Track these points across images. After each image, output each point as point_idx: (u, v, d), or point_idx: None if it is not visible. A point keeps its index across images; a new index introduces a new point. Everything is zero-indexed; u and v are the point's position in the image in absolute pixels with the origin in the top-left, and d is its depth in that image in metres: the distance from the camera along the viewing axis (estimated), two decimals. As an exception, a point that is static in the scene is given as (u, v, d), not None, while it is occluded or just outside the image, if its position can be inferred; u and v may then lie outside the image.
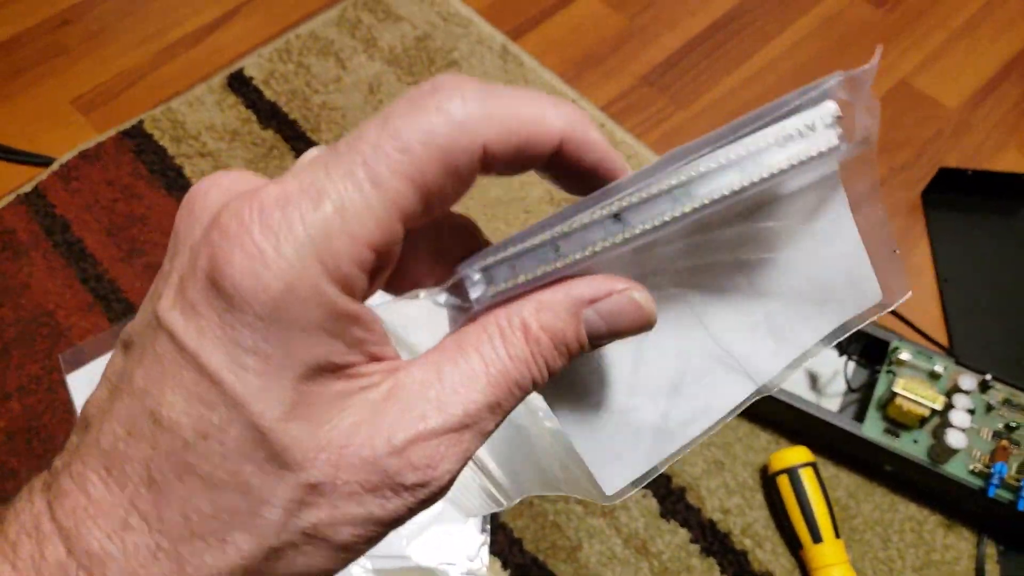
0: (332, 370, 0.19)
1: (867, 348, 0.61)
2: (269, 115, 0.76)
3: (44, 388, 0.61)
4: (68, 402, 0.60)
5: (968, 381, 0.56)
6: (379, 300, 0.22)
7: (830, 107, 0.21)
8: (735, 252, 0.24)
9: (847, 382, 0.61)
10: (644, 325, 0.22)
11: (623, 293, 0.21)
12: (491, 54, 0.79)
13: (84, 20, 0.83)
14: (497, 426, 0.21)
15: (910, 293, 0.25)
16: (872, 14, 0.85)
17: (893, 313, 0.64)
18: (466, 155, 0.19)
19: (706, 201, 0.20)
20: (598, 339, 0.21)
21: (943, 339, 0.66)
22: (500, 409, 0.20)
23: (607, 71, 0.80)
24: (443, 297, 0.22)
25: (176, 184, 0.71)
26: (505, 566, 0.56)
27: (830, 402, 0.61)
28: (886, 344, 0.59)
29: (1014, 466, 0.54)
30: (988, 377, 0.57)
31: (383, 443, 0.19)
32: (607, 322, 0.21)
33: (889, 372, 0.58)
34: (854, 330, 0.25)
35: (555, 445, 0.26)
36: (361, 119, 0.75)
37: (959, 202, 0.72)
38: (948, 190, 0.72)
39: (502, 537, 0.57)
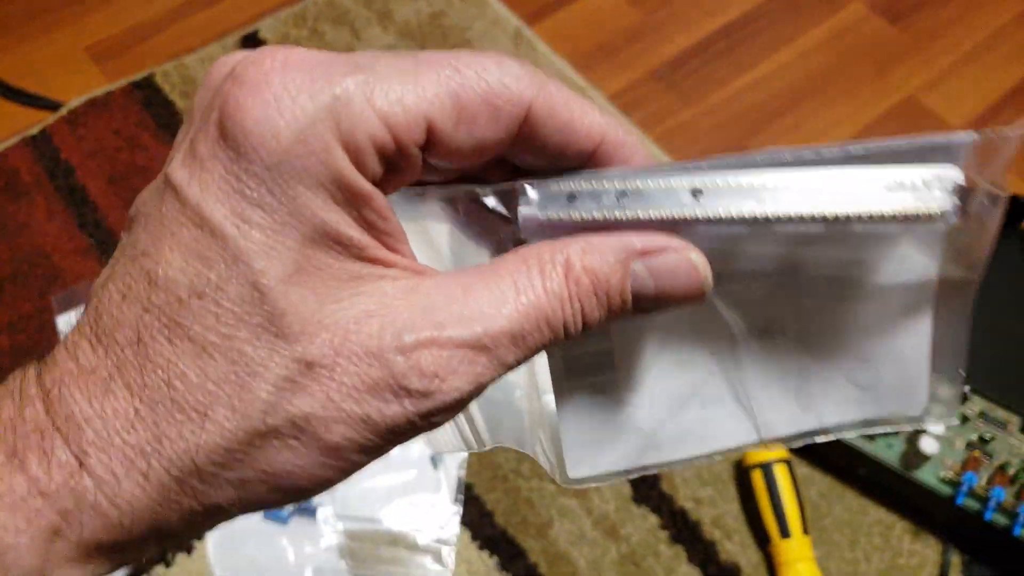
0: (344, 243, 0.18)
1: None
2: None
3: (34, 327, 0.62)
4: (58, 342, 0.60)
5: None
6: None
7: (953, 174, 0.19)
8: (796, 297, 0.22)
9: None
10: (696, 292, 0.20)
11: (679, 251, 0.20)
12: (504, 36, 0.80)
13: (104, -29, 0.84)
14: (518, 362, 0.19)
15: (955, 420, 0.23)
16: (887, 30, 0.85)
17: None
18: (511, 106, 0.19)
19: (790, 214, 0.19)
20: (643, 300, 0.20)
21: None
22: (524, 343, 0.19)
23: (618, 63, 0.81)
24: (490, 199, 0.20)
25: (182, 138, 0.72)
26: (475, 538, 0.57)
27: (810, 403, 0.61)
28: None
29: (984, 477, 0.55)
30: (965, 389, 0.57)
31: (392, 337, 0.18)
32: (656, 280, 0.20)
33: (870, 377, 0.59)
34: (879, 430, 0.23)
35: (539, 403, 0.25)
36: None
37: (955, 220, 0.72)
38: (945, 207, 0.72)
39: (473, 509, 0.57)
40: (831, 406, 0.23)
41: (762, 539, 0.57)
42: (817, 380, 0.23)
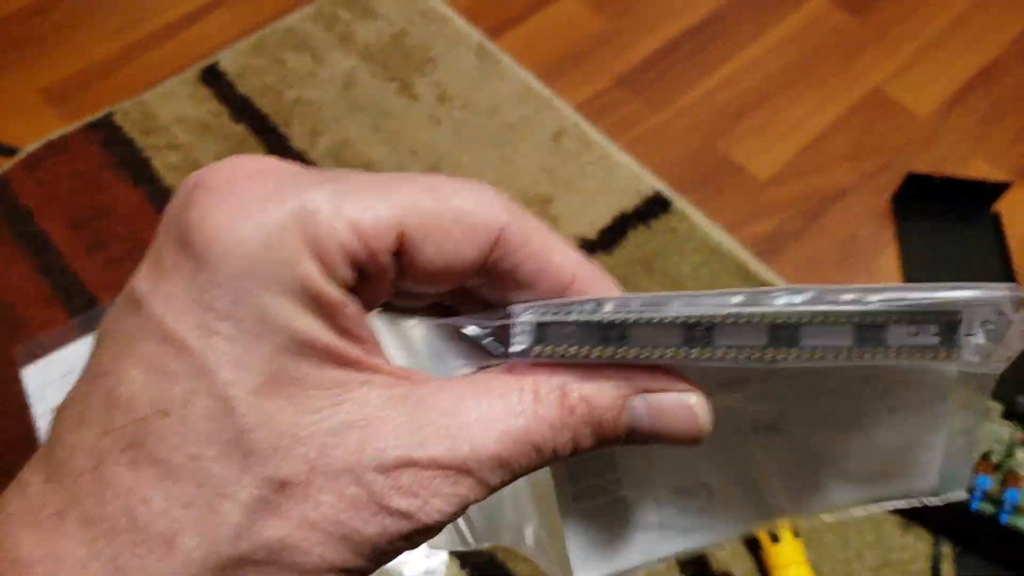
0: (321, 350, 0.17)
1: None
2: (241, 109, 0.75)
3: None
4: (23, 396, 0.59)
5: (929, 383, 0.57)
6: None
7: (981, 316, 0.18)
8: (807, 399, 0.21)
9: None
10: (693, 438, 0.19)
11: (680, 394, 0.19)
12: (468, 52, 0.79)
13: (58, 9, 0.82)
14: (503, 484, 0.18)
15: (965, 494, 0.22)
16: (847, 22, 0.85)
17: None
18: (483, 225, 0.18)
19: (807, 355, 0.18)
20: (638, 434, 0.19)
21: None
22: (509, 467, 0.18)
23: (584, 72, 0.80)
24: (474, 330, 0.19)
25: (143, 176, 0.71)
26: (463, 566, 0.56)
27: (794, 403, 0.61)
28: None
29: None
30: (949, 380, 0.57)
31: (372, 454, 0.17)
32: (653, 418, 0.19)
33: (852, 374, 0.58)
34: (888, 507, 0.23)
35: (540, 505, 0.24)
36: (335, 114, 0.75)
37: (927, 208, 0.72)
38: (917, 196, 0.72)
39: (463, 533, 0.57)
40: (841, 491, 0.23)
41: (753, 545, 0.56)
42: (827, 472, 0.22)
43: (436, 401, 0.18)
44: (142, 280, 0.17)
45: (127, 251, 0.67)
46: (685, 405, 0.19)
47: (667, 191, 0.72)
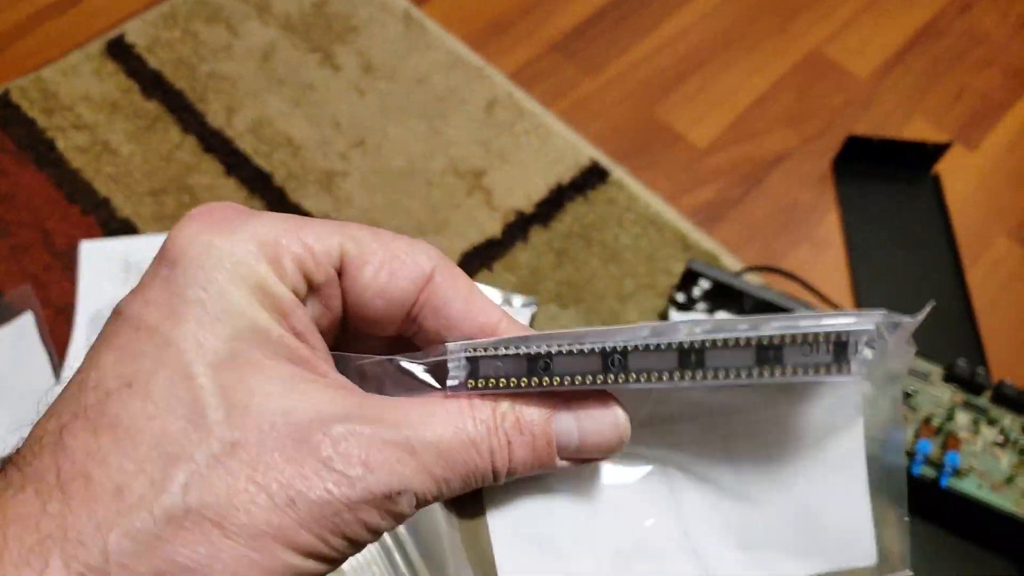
0: (275, 343, 0.19)
1: (774, 319, 0.60)
2: (153, 85, 0.71)
3: None
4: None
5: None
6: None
7: (864, 338, 0.20)
8: (728, 442, 0.23)
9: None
10: (617, 441, 0.21)
11: (603, 403, 0.21)
12: (393, 20, 0.76)
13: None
14: (449, 484, 0.20)
15: (910, 573, 0.22)
16: (783, -17, 0.83)
17: (803, 283, 0.64)
18: (414, 265, 0.21)
19: (712, 374, 0.19)
20: (567, 447, 0.21)
21: (851, 308, 0.65)
22: (451, 462, 0.19)
23: (514, 39, 0.77)
24: (413, 366, 0.21)
25: (47, 159, 0.66)
26: None
27: (737, 375, 0.59)
28: (787, 313, 0.58)
29: (910, 432, 0.54)
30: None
31: (320, 424, 0.18)
32: (579, 426, 0.21)
33: (795, 343, 0.57)
34: None
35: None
36: (253, 89, 0.71)
37: (868, 171, 0.71)
38: (857, 159, 0.71)
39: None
40: (781, 559, 0.23)
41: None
42: (761, 529, 0.23)
43: (380, 401, 0.20)
44: (126, 296, 0.19)
45: (33, 239, 0.63)
46: (608, 409, 0.21)
47: (604, 160, 0.69)
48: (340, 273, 0.21)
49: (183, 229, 0.19)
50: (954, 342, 0.64)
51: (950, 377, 0.56)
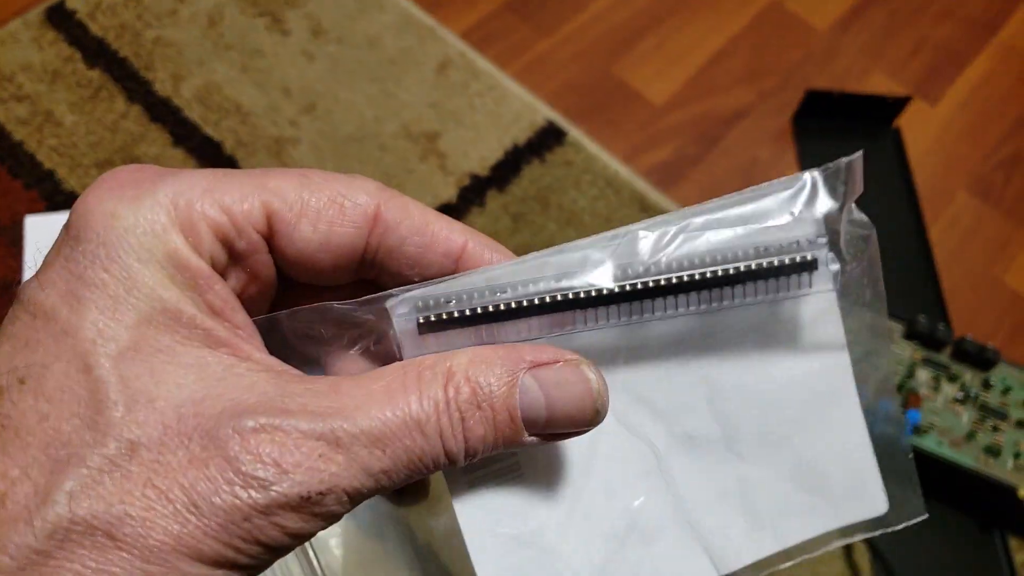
0: (187, 324, 0.17)
1: (731, 278, 0.60)
2: (96, 53, 0.69)
3: None
4: None
5: (828, 307, 0.55)
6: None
7: (821, 253, 0.19)
8: (715, 398, 0.20)
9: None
10: (590, 411, 0.18)
11: (572, 363, 0.18)
12: (343, -18, 0.74)
13: None
14: (387, 477, 0.17)
15: (925, 515, 0.20)
16: (744, -64, 0.82)
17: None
18: (355, 205, 0.19)
19: (675, 279, 0.18)
20: (535, 421, 0.18)
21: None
22: (389, 450, 0.16)
23: (469, -2, 0.75)
24: (363, 312, 0.19)
25: (-14, 131, 0.64)
26: None
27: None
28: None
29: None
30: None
31: (230, 418, 0.16)
32: (547, 396, 0.18)
33: (752, 302, 0.57)
34: (851, 540, 0.21)
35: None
36: (200, 55, 0.69)
37: (828, 127, 0.70)
38: (817, 115, 0.70)
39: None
40: (786, 520, 0.21)
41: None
42: (760, 490, 0.21)
43: (309, 384, 0.17)
44: (28, 279, 0.17)
45: (-26, 216, 0.61)
46: (577, 371, 0.18)
47: (561, 121, 0.68)
48: (270, 234, 0.18)
49: (87, 198, 0.17)
50: (915, 298, 0.64)
51: (911, 334, 0.56)
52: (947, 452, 0.53)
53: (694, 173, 0.68)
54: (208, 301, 0.18)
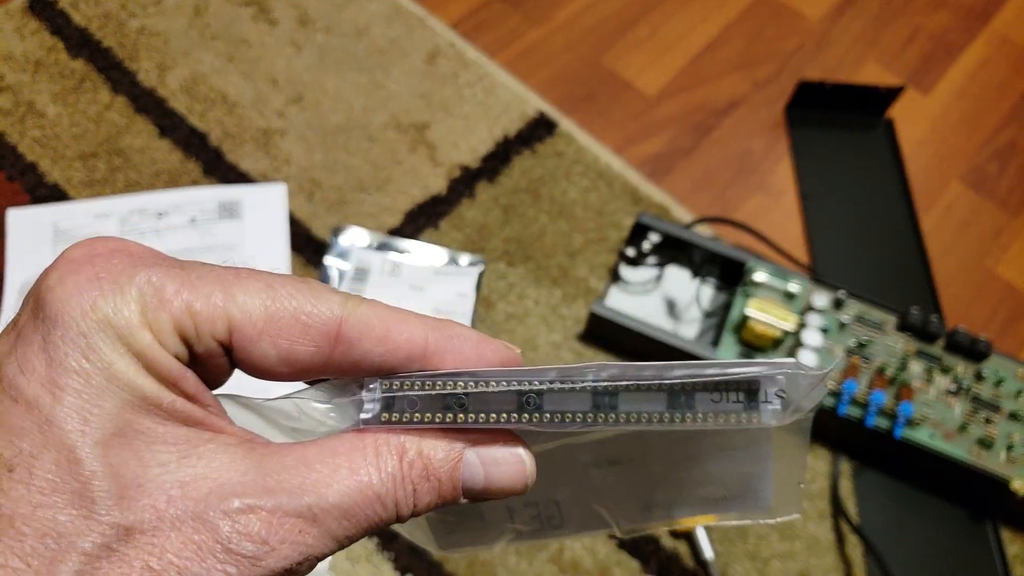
0: (166, 409, 0.18)
1: (724, 270, 0.59)
2: (79, 43, 0.68)
3: None
4: None
5: (821, 299, 0.55)
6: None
7: (776, 392, 0.20)
8: (639, 442, 0.23)
9: (699, 306, 0.59)
10: (520, 486, 0.21)
11: (509, 445, 0.21)
12: (331, -30, 0.73)
13: None
14: (351, 539, 0.19)
15: (798, 515, 0.25)
16: (736, -76, 0.81)
17: (755, 234, 0.62)
18: (319, 323, 0.19)
19: (623, 420, 0.20)
20: (472, 490, 0.20)
21: (805, 258, 0.64)
22: (355, 519, 0.19)
23: (458, -13, 0.74)
24: (330, 410, 0.21)
25: (-33, 122, 0.63)
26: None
27: (688, 328, 0.59)
28: (742, 265, 0.57)
29: (864, 382, 0.53)
30: (841, 294, 0.55)
31: (219, 500, 0.17)
32: (486, 471, 0.20)
33: (744, 294, 0.56)
34: (730, 524, 0.24)
35: None
36: (186, 45, 0.68)
37: (820, 118, 0.70)
38: (809, 105, 0.70)
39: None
40: (682, 510, 0.25)
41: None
42: (665, 495, 0.24)
43: (281, 458, 0.18)
44: (1, 350, 0.18)
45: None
46: (515, 455, 0.20)
47: (552, 111, 0.67)
48: (230, 345, 0.19)
49: (65, 281, 0.18)
50: (908, 290, 0.64)
51: (903, 326, 0.56)
52: (940, 444, 0.52)
53: (686, 164, 0.67)
54: (182, 390, 0.18)
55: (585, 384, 0.20)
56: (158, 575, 0.16)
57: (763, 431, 0.22)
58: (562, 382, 0.20)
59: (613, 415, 0.20)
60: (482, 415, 0.20)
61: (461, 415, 0.20)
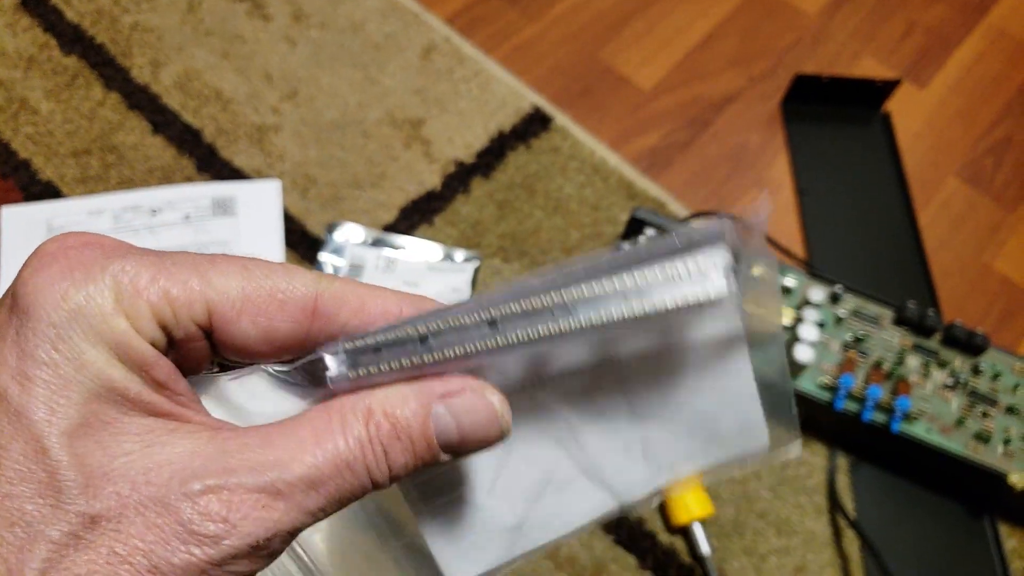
0: (133, 400, 0.18)
1: (720, 265, 0.59)
2: (72, 39, 0.67)
3: None
4: None
5: (817, 294, 0.55)
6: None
7: (723, 255, 0.20)
8: (620, 380, 0.23)
9: (701, 302, 0.59)
10: (496, 431, 0.21)
11: (477, 391, 0.20)
12: (325, -35, 0.72)
13: None
14: (324, 509, 0.19)
15: (799, 450, 0.25)
16: (732, -82, 0.81)
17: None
18: (295, 299, 0.20)
19: (584, 324, 0.20)
20: (448, 442, 0.20)
21: (802, 252, 0.64)
22: (325, 489, 0.19)
23: (453, -18, 0.74)
24: (297, 375, 0.21)
25: (-41, 119, 0.63)
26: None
27: (684, 323, 0.58)
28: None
29: (860, 377, 0.53)
30: (838, 288, 0.55)
31: (179, 483, 0.17)
32: (457, 421, 0.20)
33: (741, 289, 0.56)
34: (734, 471, 0.25)
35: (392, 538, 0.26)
36: (180, 41, 0.68)
37: (817, 112, 0.70)
38: (806, 99, 0.69)
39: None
40: (680, 459, 0.24)
41: (647, 473, 0.54)
42: (660, 441, 0.24)
43: (245, 439, 0.19)
44: None
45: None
46: (482, 398, 0.20)
47: (547, 107, 0.67)
48: (210, 327, 0.19)
49: (37, 274, 0.18)
50: (904, 284, 0.64)
51: (900, 320, 0.55)
52: (936, 439, 0.52)
53: (682, 159, 0.67)
54: (153, 377, 0.18)
55: (544, 302, 0.20)
56: (124, 559, 0.17)
57: (736, 341, 0.23)
58: (521, 303, 0.20)
59: (574, 319, 0.20)
60: (449, 350, 0.20)
61: (428, 355, 0.20)
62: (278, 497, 0.18)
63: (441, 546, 0.24)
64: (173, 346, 0.19)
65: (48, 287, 0.18)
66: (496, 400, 0.20)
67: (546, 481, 0.24)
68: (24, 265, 0.19)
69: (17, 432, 0.17)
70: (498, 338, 0.20)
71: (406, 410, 0.20)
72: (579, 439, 0.24)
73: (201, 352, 0.20)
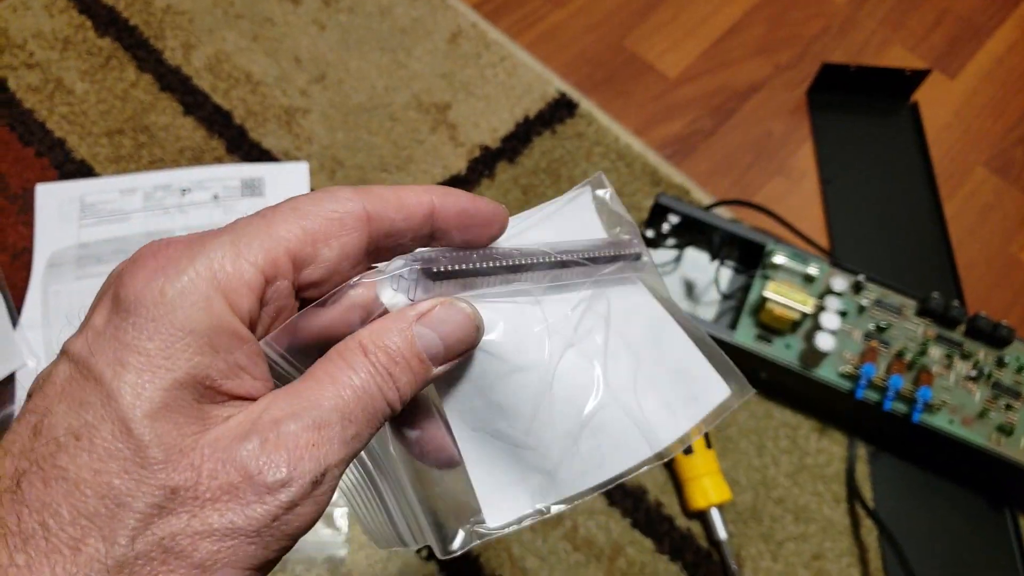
0: (208, 386, 0.20)
1: (743, 252, 0.59)
2: (106, 21, 0.68)
3: None
4: None
5: (840, 283, 0.55)
6: None
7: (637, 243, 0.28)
8: (614, 333, 0.27)
9: (718, 288, 0.59)
10: (472, 330, 0.23)
11: (447, 304, 0.23)
12: (354, -50, 0.73)
13: None
14: (360, 437, 0.21)
15: (753, 392, 0.29)
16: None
17: (775, 217, 0.62)
18: (350, 218, 0.22)
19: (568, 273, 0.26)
20: (436, 355, 0.23)
21: (825, 241, 0.64)
22: (355, 419, 0.21)
23: (481, -32, 0.74)
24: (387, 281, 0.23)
25: (-3, 98, 0.64)
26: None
27: (706, 310, 0.59)
28: (761, 247, 0.57)
29: (882, 366, 0.53)
30: (861, 278, 0.55)
31: (238, 445, 0.20)
32: (437, 331, 0.23)
33: (763, 276, 0.56)
34: (719, 420, 0.28)
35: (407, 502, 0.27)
36: (211, 24, 0.68)
37: (843, 101, 0.69)
38: (832, 88, 0.69)
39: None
40: (683, 412, 0.27)
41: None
42: (667, 392, 0.27)
43: (280, 399, 0.21)
44: (74, 339, 0.20)
45: (-15, 183, 0.61)
46: (452, 305, 0.23)
47: (573, 93, 0.67)
48: (296, 273, 0.22)
49: (136, 275, 0.20)
50: (929, 275, 0.63)
51: (924, 311, 0.55)
52: (958, 430, 0.52)
53: (706, 146, 0.67)
54: (236, 360, 0.21)
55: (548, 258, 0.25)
56: (203, 521, 0.19)
57: (661, 314, 0.28)
58: (541, 258, 0.25)
59: (564, 271, 0.25)
60: (491, 261, 0.24)
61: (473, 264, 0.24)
62: (320, 431, 0.20)
63: (483, 485, 0.25)
64: (263, 310, 0.22)
65: (147, 286, 0.20)
66: (465, 304, 0.23)
67: (582, 423, 0.26)
68: (121, 268, 0.21)
69: (107, 413, 0.19)
70: (515, 277, 0.25)
71: (393, 337, 0.22)
72: (605, 377, 0.26)
73: (290, 306, 0.22)
